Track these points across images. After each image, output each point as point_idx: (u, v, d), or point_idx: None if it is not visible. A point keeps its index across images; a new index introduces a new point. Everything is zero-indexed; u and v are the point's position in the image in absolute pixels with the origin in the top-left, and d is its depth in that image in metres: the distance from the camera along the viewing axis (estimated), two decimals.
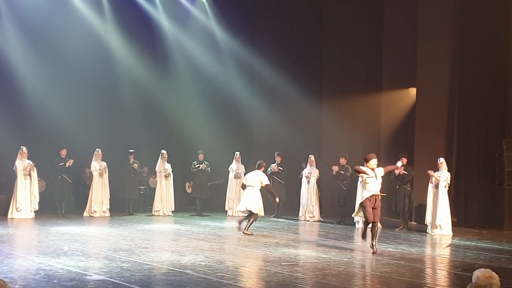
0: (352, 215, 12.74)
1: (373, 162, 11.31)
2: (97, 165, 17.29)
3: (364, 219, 11.58)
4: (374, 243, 11.22)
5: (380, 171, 11.37)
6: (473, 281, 2.75)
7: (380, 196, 11.40)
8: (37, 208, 16.43)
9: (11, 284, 2.09)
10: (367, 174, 11.21)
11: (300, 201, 17.50)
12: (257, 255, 10.79)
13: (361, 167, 11.45)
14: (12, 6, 18.05)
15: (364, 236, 11.57)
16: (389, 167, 12.38)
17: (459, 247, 12.56)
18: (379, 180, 11.31)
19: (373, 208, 11.22)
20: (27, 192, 16.32)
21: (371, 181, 11.25)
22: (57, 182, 17.01)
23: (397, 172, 15.43)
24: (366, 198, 11.23)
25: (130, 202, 18.02)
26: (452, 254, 11.90)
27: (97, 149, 17.30)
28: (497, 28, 15.98)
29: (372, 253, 11.08)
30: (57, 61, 18.39)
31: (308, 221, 17.10)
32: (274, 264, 9.88)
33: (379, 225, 15.54)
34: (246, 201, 14.00)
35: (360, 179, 17.00)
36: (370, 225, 11.34)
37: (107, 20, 19.15)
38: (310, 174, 17.39)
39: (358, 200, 15.82)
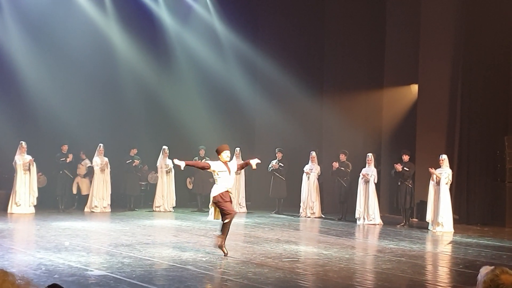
0: (208, 219, 10.81)
1: (225, 154, 10.03)
2: (98, 160, 17.29)
3: (222, 218, 10.03)
4: (223, 243, 10.05)
5: (234, 165, 10.33)
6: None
7: (230, 195, 10.11)
8: (35, 203, 16.41)
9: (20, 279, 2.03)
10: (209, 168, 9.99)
11: (300, 198, 17.49)
12: (258, 251, 10.77)
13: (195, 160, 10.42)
14: (13, 1, 18.02)
15: (224, 233, 10.07)
16: (244, 163, 10.93)
17: (461, 244, 12.54)
18: (233, 175, 10.18)
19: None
20: (26, 187, 16.31)
21: (223, 176, 9.97)
22: (58, 177, 17.02)
23: (399, 168, 15.41)
24: (219, 194, 9.94)
25: (131, 198, 18.01)
26: (454, 251, 11.89)
27: (99, 144, 17.30)
28: (500, 25, 15.93)
29: (224, 254, 10.00)
30: (58, 56, 18.36)
31: (309, 217, 17.09)
32: (275, 260, 9.87)
33: (379, 221, 15.64)
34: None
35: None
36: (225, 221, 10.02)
37: (109, 15, 19.12)
38: (310, 170, 17.36)
39: (359, 197, 15.91)
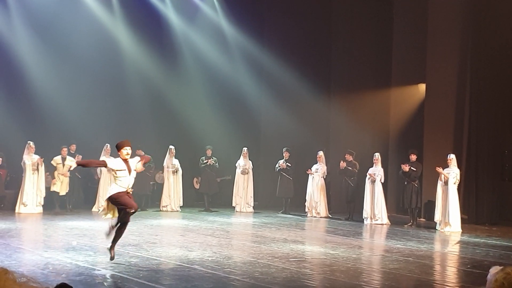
0: (99, 213, 9.88)
1: (125, 151, 9.18)
2: None
3: (113, 220, 9.21)
4: (113, 246, 9.19)
5: (135, 163, 9.37)
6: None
7: (131, 193, 9.33)
8: (42, 203, 16.46)
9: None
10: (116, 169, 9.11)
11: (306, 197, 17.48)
12: (265, 251, 10.76)
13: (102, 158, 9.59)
14: (21, 1, 18.08)
15: (109, 233, 9.20)
16: (146, 158, 10.06)
17: (468, 244, 12.49)
18: (133, 173, 9.28)
19: None
20: (34, 187, 16.36)
21: (122, 175, 9.11)
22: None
23: (406, 169, 15.36)
24: (115, 193, 9.09)
25: (143, 197, 17.99)
26: (461, 251, 11.84)
27: (106, 144, 17.31)
28: (507, 23, 15.86)
29: (110, 258, 9.14)
30: (65, 56, 18.41)
31: (315, 217, 17.05)
32: (282, 260, 9.86)
33: (386, 221, 15.60)
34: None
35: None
36: (116, 225, 9.16)
37: (115, 15, 19.15)
38: (316, 170, 17.32)
39: (366, 197, 15.88)
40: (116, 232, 9.12)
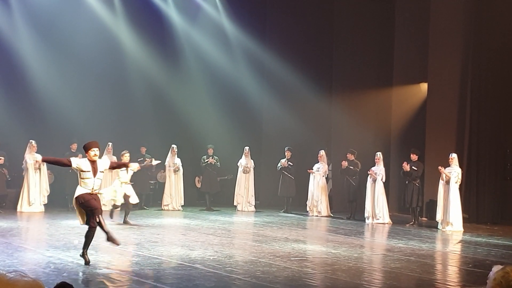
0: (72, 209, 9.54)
1: (93, 152, 8.98)
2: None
3: (84, 220, 9.11)
4: (85, 251, 9.06)
5: (105, 164, 9.29)
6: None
7: (99, 196, 9.25)
8: (46, 202, 16.49)
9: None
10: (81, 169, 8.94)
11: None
12: (266, 250, 10.77)
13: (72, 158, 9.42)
14: (23, 1, 18.09)
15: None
16: (121, 164, 9.86)
17: (470, 243, 12.49)
18: (101, 175, 9.10)
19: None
20: (37, 186, 16.38)
21: (87, 176, 8.95)
22: (68, 176, 17.04)
23: (407, 168, 15.36)
24: (81, 195, 8.93)
25: (142, 196, 17.98)
26: (463, 250, 11.84)
27: (108, 143, 17.34)
28: (509, 22, 15.84)
29: (85, 263, 8.97)
30: (67, 55, 18.42)
31: (317, 216, 17.05)
32: (283, 259, 9.86)
33: (388, 220, 15.58)
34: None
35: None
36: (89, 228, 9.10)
37: (117, 14, 19.16)
38: (318, 169, 17.31)
39: (368, 196, 15.87)
40: (85, 237, 9.06)
